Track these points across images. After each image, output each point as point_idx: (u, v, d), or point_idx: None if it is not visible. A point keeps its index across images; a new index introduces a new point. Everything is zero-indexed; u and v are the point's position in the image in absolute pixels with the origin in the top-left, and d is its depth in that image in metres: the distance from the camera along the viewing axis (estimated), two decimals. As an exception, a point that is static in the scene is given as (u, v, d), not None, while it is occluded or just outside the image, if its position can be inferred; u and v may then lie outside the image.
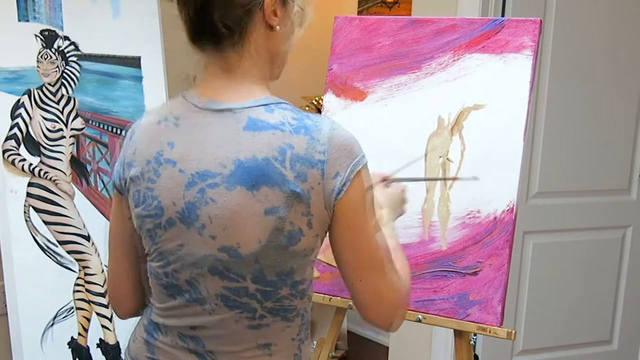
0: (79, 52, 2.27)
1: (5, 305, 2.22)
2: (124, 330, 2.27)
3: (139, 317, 1.21)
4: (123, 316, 1.22)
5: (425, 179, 1.60)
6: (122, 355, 1.26)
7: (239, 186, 0.98)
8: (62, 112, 2.24)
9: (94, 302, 2.27)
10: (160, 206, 1.03)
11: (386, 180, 1.38)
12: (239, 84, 1.04)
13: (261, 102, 1.02)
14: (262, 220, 0.98)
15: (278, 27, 1.04)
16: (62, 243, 2.23)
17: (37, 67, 2.21)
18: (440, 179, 1.61)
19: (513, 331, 1.51)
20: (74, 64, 2.26)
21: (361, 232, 1.02)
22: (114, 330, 2.28)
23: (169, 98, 2.33)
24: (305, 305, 1.09)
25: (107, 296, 2.26)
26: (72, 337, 2.24)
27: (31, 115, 2.20)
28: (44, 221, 2.21)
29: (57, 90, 2.24)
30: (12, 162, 2.17)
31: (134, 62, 2.35)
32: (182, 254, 1.04)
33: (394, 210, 1.32)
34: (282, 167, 0.97)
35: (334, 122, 1.01)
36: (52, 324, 2.21)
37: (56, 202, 2.23)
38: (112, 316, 2.27)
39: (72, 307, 2.23)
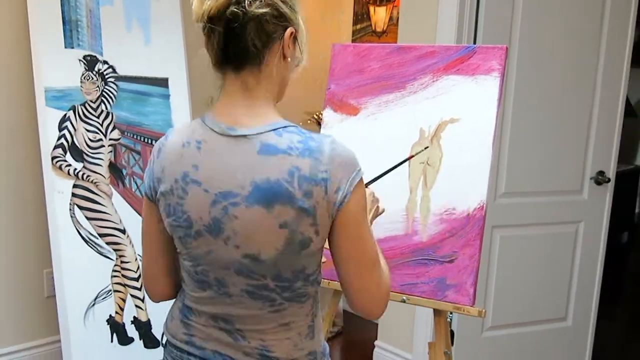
0: (116, 74, 2.28)
1: (54, 289, 2.23)
2: (155, 310, 2.27)
3: (171, 299, 1.20)
4: (157, 300, 1.20)
5: (387, 171, 1.51)
6: (163, 329, 1.22)
7: (257, 205, 0.98)
8: (101, 125, 2.25)
9: (128, 286, 2.27)
10: (190, 219, 1.03)
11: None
12: (254, 105, 1.03)
13: (272, 126, 1.01)
14: (277, 232, 0.99)
15: (289, 58, 1.05)
16: (101, 236, 2.23)
17: (81, 86, 2.21)
18: (398, 165, 1.52)
19: (483, 310, 1.50)
20: (111, 84, 2.27)
21: (358, 237, 1.03)
22: (145, 309, 2.28)
23: (192, 118, 2.35)
24: (316, 289, 1.11)
25: (139, 281, 2.27)
26: (110, 315, 2.23)
27: (75, 128, 2.20)
28: (86, 217, 2.21)
29: (98, 107, 2.24)
30: (60, 167, 2.18)
31: (163, 82, 2.35)
32: (211, 259, 1.04)
33: (368, 210, 1.28)
34: (292, 187, 0.97)
35: (334, 141, 1.01)
36: (94, 304, 2.20)
37: (97, 201, 2.23)
38: (144, 297, 2.27)
39: (110, 290, 2.22)
